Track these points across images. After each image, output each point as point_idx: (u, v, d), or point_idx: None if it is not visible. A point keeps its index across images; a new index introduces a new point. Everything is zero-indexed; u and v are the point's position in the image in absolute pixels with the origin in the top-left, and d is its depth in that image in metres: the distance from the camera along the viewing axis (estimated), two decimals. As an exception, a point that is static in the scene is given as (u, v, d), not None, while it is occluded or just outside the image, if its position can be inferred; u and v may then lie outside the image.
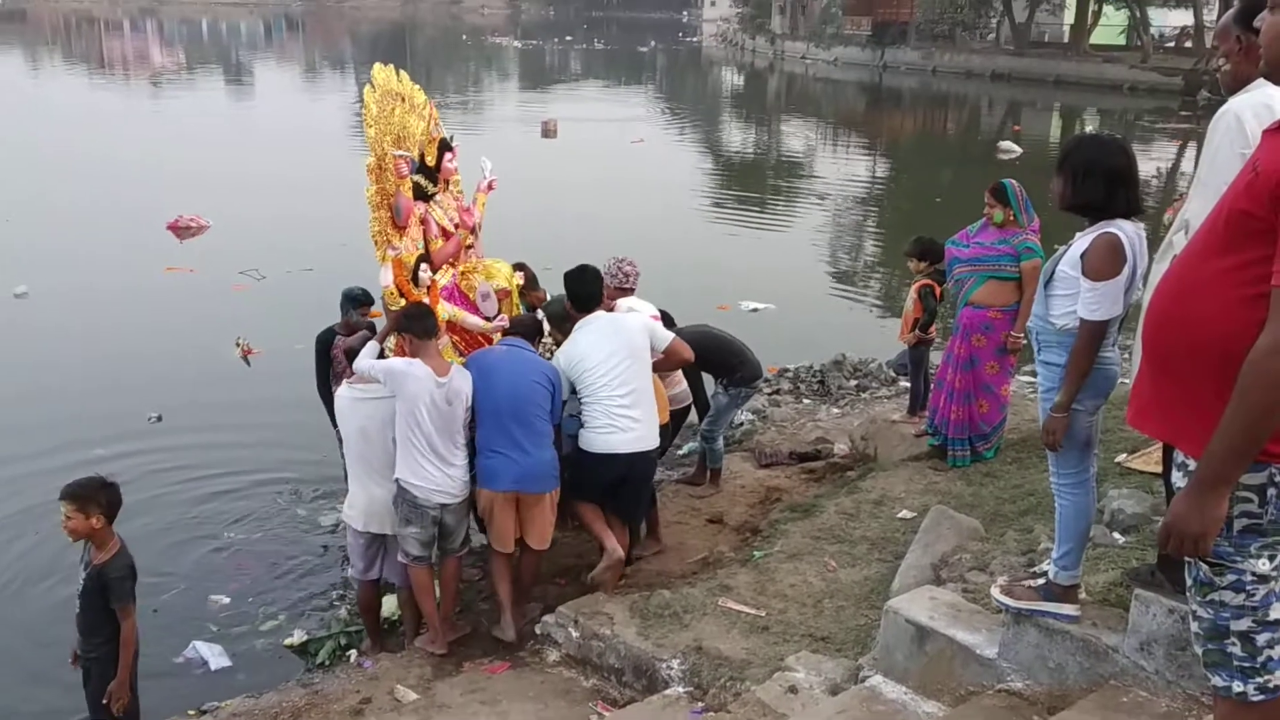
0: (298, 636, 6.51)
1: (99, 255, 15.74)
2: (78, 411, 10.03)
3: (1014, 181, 6.81)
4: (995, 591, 4.03)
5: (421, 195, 6.51)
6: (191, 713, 5.52)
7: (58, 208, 18.64)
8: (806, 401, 10.03)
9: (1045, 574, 3.96)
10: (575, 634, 5.67)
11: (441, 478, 5.63)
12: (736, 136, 37.54)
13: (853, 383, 10.41)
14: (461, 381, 5.67)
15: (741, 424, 9.32)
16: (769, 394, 10.16)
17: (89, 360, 11.45)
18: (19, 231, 16.88)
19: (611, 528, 6.06)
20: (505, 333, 6.28)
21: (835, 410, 9.62)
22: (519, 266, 7.00)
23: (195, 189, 19.22)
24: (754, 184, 26.33)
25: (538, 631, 5.90)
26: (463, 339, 6.48)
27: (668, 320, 6.90)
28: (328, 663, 6.13)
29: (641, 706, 5.05)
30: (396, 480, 5.65)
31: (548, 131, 29.96)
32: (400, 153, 6.29)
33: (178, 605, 6.96)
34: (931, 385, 7.58)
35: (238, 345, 7.60)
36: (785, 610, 5.55)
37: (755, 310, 13.51)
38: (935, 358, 8.21)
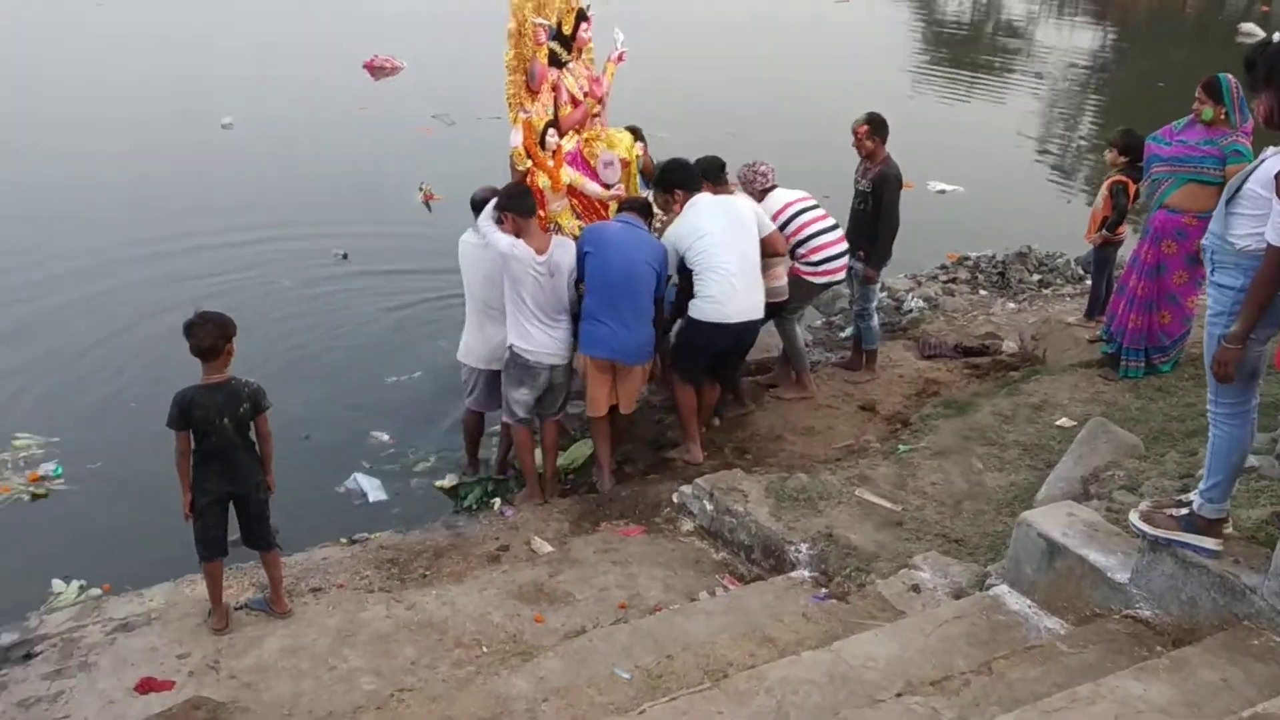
0: (449, 480, 6.83)
1: (299, 91, 16.32)
2: (272, 245, 10.59)
3: (1230, 77, 6.19)
4: (1134, 517, 3.85)
5: (555, 62, 6.78)
6: (344, 540, 5.88)
7: (263, 43, 19.31)
8: (983, 293, 9.66)
9: (1190, 503, 3.76)
10: (710, 507, 5.75)
11: (548, 340, 6.02)
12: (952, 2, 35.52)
13: (1035, 277, 9.95)
14: (562, 255, 5.99)
15: (910, 311, 9.08)
16: (944, 282, 9.84)
17: (283, 197, 12.01)
18: (228, 63, 17.62)
19: (703, 391, 6.53)
20: (621, 207, 6.53)
21: (1012, 305, 9.24)
22: (635, 134, 7.19)
23: (394, 28, 19.61)
24: (964, 55, 24.94)
25: (675, 500, 6.01)
26: (581, 203, 6.83)
27: None
28: (474, 507, 6.42)
29: (766, 585, 5.12)
30: (509, 346, 6.04)
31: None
32: (539, 20, 6.53)
33: (343, 438, 7.38)
34: (1114, 289, 7.17)
35: (420, 190, 7.82)
36: (922, 508, 5.48)
37: (942, 192, 13.01)
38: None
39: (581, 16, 6.90)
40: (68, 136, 13.83)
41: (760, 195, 6.80)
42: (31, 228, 10.81)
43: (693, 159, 6.54)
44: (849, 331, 8.45)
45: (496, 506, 6.33)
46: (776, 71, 19.22)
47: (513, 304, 5.96)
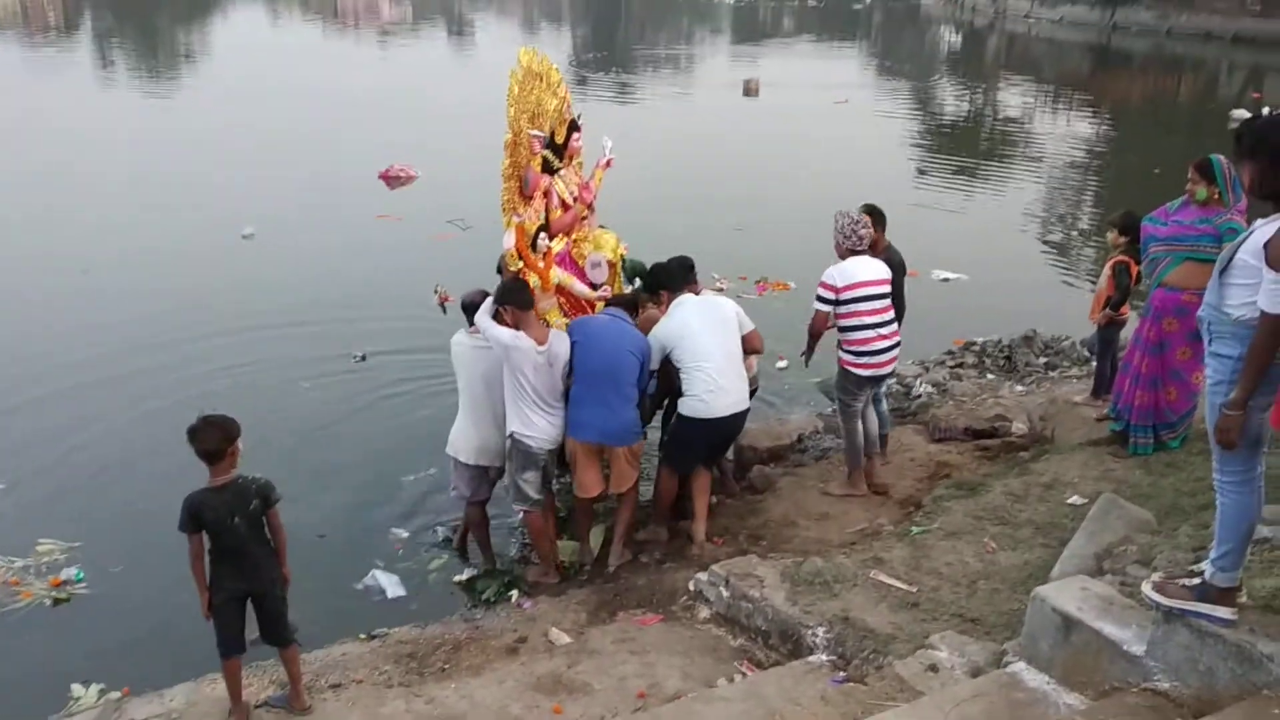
0: (466, 574, 6.88)
1: (317, 200, 16.70)
2: (289, 347, 10.78)
3: (1222, 158, 6.36)
4: (1147, 587, 3.89)
5: (548, 169, 7.13)
6: (363, 636, 5.90)
7: (280, 145, 19.82)
8: (990, 377, 9.75)
9: (1203, 573, 3.80)
10: (726, 594, 5.78)
11: (548, 427, 6.36)
12: (949, 98, 36.30)
13: (1042, 360, 10.06)
14: (560, 346, 6.32)
15: (919, 396, 9.17)
16: (951, 367, 9.94)
17: (302, 302, 12.23)
18: (246, 171, 18.08)
19: (697, 476, 6.79)
20: (607, 303, 6.91)
21: (1019, 388, 9.32)
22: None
23: (408, 136, 20.13)
24: (962, 148, 25.43)
25: (691, 588, 6.04)
26: (569, 301, 7.15)
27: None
28: (491, 600, 6.44)
29: (784, 670, 5.11)
30: (510, 435, 6.33)
31: (749, 90, 29.80)
32: (535, 132, 6.93)
33: (360, 535, 7.44)
34: (1119, 368, 7.25)
35: (435, 292, 8.05)
36: (938, 588, 5.49)
37: (946, 280, 13.19)
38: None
39: (574, 127, 7.29)
40: (82, 241, 14.15)
41: (846, 253, 6.82)
42: (51, 333, 11.03)
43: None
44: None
45: (514, 599, 6.35)
46: (780, 168, 19.63)
47: (514, 393, 6.25)
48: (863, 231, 6.81)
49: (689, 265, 6.87)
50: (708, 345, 6.40)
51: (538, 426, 6.30)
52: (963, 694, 4.21)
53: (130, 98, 26.42)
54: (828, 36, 54.10)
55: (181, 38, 44.54)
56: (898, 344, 6.91)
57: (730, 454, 8.21)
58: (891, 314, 6.85)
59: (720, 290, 12.39)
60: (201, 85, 28.99)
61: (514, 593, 6.44)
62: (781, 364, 10.59)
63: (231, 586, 4.87)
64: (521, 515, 6.77)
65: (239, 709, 5.01)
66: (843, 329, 6.79)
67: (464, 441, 6.60)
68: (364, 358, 10.63)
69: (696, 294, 6.79)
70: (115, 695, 5.54)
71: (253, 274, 13.35)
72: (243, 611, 4.97)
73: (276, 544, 4.93)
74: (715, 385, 6.37)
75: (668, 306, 6.68)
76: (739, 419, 6.68)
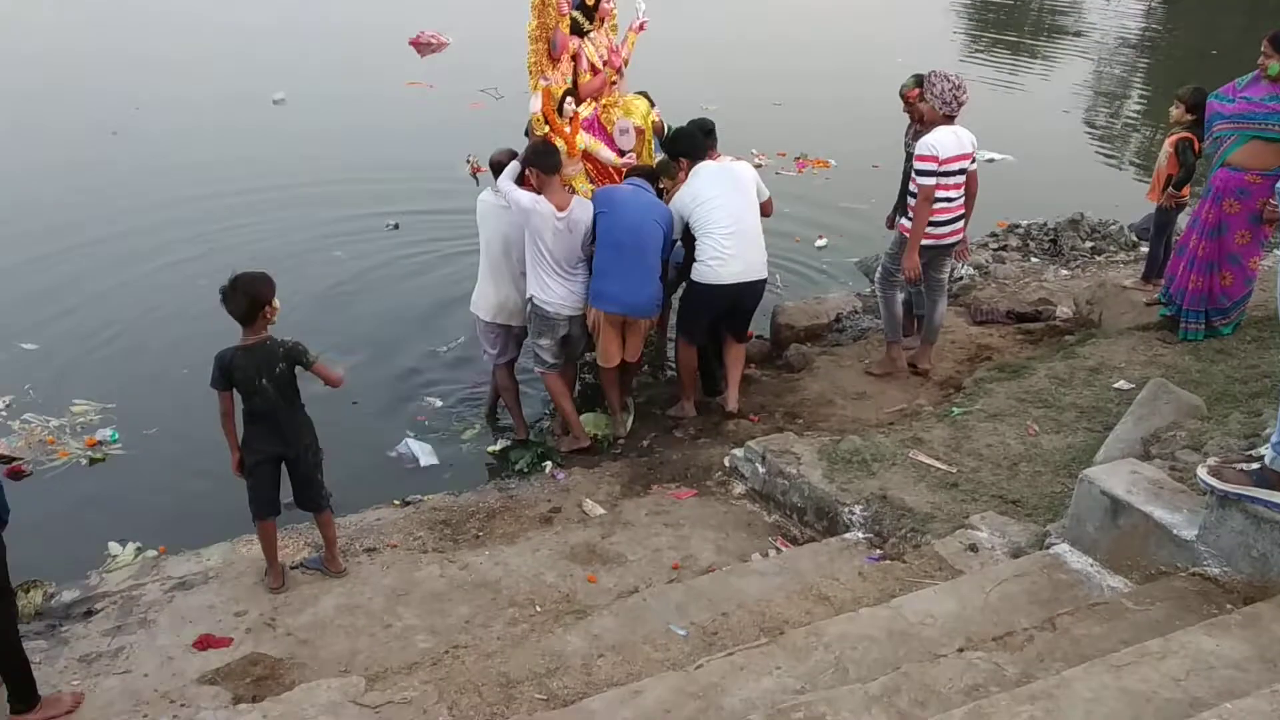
0: (500, 444, 6.85)
1: (347, 67, 16.34)
2: (321, 213, 10.66)
3: (1300, 31, 6.03)
4: (1202, 471, 3.77)
5: (577, 31, 6.97)
6: (397, 502, 5.90)
7: (309, 22, 19.41)
8: (1034, 260, 9.51)
9: (1261, 458, 3.67)
10: (762, 470, 5.72)
11: (566, 293, 6.30)
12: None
13: (1088, 244, 9.78)
14: (581, 212, 6.22)
15: (960, 278, 8.96)
16: (993, 250, 9.70)
17: (334, 171, 12.05)
18: (278, 42, 17.72)
19: (729, 348, 6.79)
20: (629, 174, 6.68)
21: (1064, 272, 9.09)
22: (643, 95, 7.31)
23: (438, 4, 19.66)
24: (1009, 24, 24.58)
25: (726, 464, 5.99)
26: (595, 168, 7.01)
27: None
28: (525, 471, 6.41)
29: (819, 546, 5.08)
30: (529, 299, 6.34)
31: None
32: None
33: (394, 405, 7.41)
34: (1173, 251, 7.02)
35: (467, 162, 7.87)
36: (977, 470, 5.40)
37: (991, 160, 12.79)
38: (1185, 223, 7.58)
39: None
40: (121, 114, 13.95)
41: (940, 120, 6.50)
42: (81, 196, 10.95)
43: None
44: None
45: (548, 470, 6.32)
46: (822, 40, 19.05)
47: (533, 258, 6.23)
48: (964, 97, 6.49)
49: (708, 130, 6.71)
50: (722, 211, 6.30)
51: (555, 292, 6.27)
52: (1004, 573, 4.15)
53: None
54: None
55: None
56: (962, 216, 6.68)
57: (766, 333, 8.13)
58: (959, 193, 6.61)
59: (759, 166, 12.15)
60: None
61: (548, 464, 6.40)
62: (820, 242, 10.40)
63: (263, 448, 4.87)
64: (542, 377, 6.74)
65: (274, 569, 5.04)
66: (913, 194, 6.55)
67: (483, 300, 6.60)
68: (396, 226, 10.52)
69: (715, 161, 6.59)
70: (152, 553, 5.57)
71: (284, 140, 13.17)
72: (276, 474, 4.97)
73: (329, 374, 4.88)
74: (725, 252, 6.29)
75: (687, 174, 6.53)
76: (752, 288, 6.53)
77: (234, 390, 4.78)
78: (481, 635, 4.58)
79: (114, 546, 5.67)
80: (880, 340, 7.49)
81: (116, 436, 6.86)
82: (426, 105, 14.67)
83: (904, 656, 3.59)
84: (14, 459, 6.50)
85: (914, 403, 6.61)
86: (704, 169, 6.47)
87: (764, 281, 6.63)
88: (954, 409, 6.15)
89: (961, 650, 3.49)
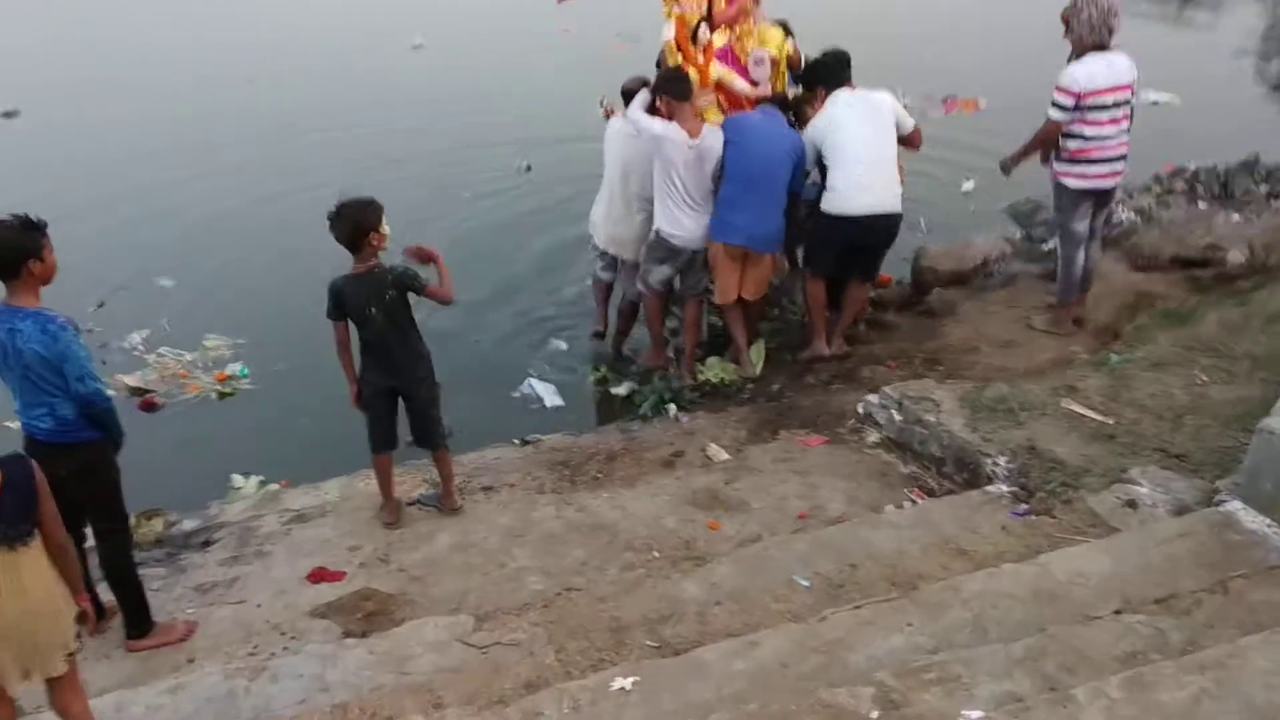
0: (625, 387, 6.63)
1: (488, 15, 16.25)
2: (455, 155, 10.61)
3: None
4: None
5: None
6: (516, 442, 5.75)
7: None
8: (1202, 205, 8.77)
9: None
10: (898, 417, 5.37)
11: (695, 226, 6.12)
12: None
13: (1263, 188, 8.97)
14: (713, 140, 5.99)
15: (1120, 222, 8.33)
16: (1157, 194, 8.99)
17: (470, 113, 12.00)
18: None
19: (851, 288, 6.47)
20: (763, 101, 6.42)
21: (1236, 217, 8.34)
22: (783, 26, 6.93)
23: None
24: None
25: (860, 410, 5.65)
26: (727, 98, 6.64)
27: None
28: (649, 415, 6.19)
29: (959, 499, 4.72)
30: (656, 230, 6.20)
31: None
32: None
33: (519, 345, 7.29)
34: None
35: (601, 105, 7.69)
36: (1138, 421, 4.95)
37: (1156, 103, 11.93)
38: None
39: None
40: (268, 57, 14.19)
41: (1089, 49, 5.88)
42: (221, 137, 11.14)
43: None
44: (1052, 244, 7.81)
45: (672, 413, 6.09)
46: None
47: (663, 189, 6.06)
48: (1112, 21, 5.82)
49: (845, 60, 6.34)
50: (855, 141, 6.00)
51: (684, 226, 6.12)
52: (1167, 532, 3.75)
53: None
54: None
55: None
56: (1124, 156, 6.03)
57: (907, 277, 7.71)
58: (1128, 123, 5.95)
59: (904, 106, 11.59)
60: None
61: (672, 407, 6.17)
62: (968, 185, 9.87)
63: (376, 380, 4.77)
64: (641, 296, 6.60)
65: (390, 504, 4.95)
66: (1067, 135, 5.97)
67: (597, 225, 6.68)
68: (529, 168, 10.39)
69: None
70: (274, 486, 5.56)
71: (421, 83, 13.18)
72: (391, 407, 4.86)
73: (442, 293, 4.70)
74: (856, 181, 5.99)
75: (822, 103, 6.21)
76: (883, 221, 6.15)
77: (348, 320, 4.67)
78: (595, 579, 4.40)
79: (237, 479, 5.70)
80: (1031, 288, 7.01)
81: (246, 371, 6.92)
82: (563, 49, 14.47)
83: (1051, 617, 3.25)
84: (147, 391, 6.61)
85: (1067, 350, 6.14)
86: (840, 97, 6.15)
87: (897, 216, 6.22)
88: (1112, 357, 5.68)
89: (1118, 613, 3.14)
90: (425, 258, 4.76)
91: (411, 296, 4.68)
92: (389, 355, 4.71)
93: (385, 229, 4.57)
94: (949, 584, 3.52)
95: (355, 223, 4.51)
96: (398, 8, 16.53)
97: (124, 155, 10.55)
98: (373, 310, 4.59)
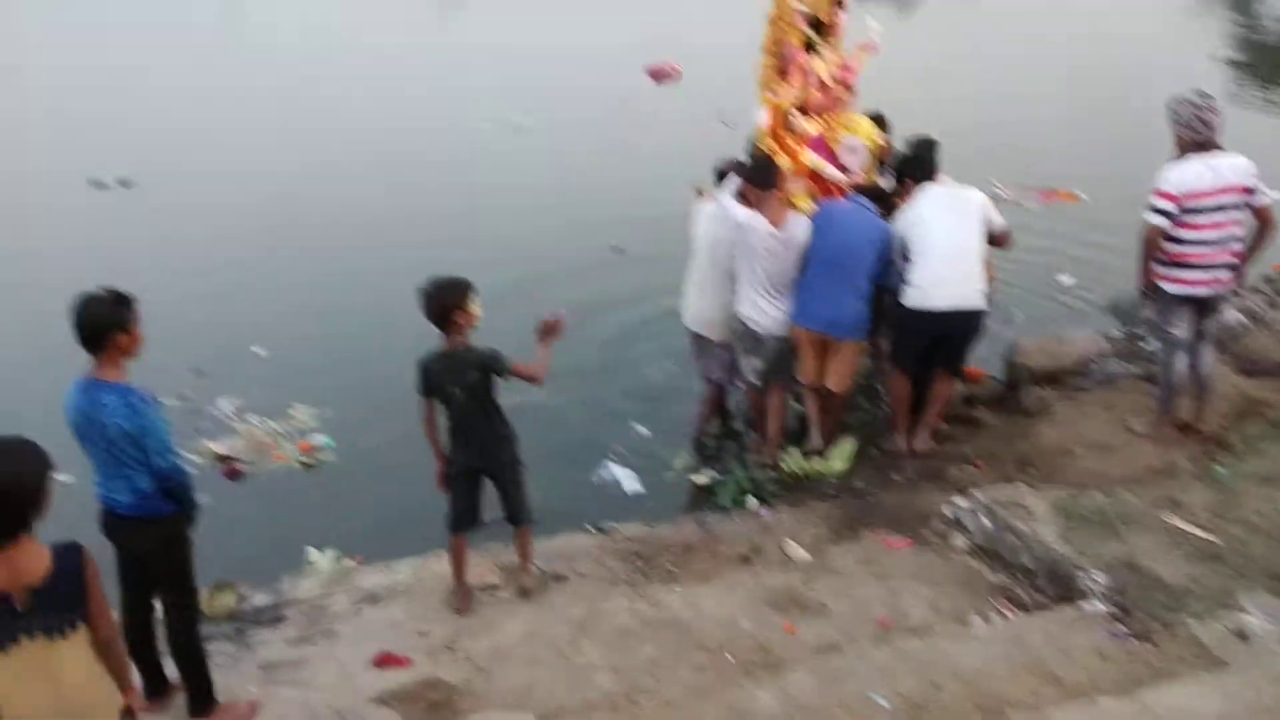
0: (706, 476, 6.52)
1: (589, 99, 16.49)
2: (547, 233, 10.67)
3: None
4: None
5: (809, 47, 6.74)
6: (590, 529, 5.66)
7: (549, 51, 19.85)
8: (1316, 307, 8.43)
9: None
10: (988, 523, 5.15)
11: (777, 313, 6.14)
12: None
13: (1383, 292, 8.60)
14: (797, 230, 6.04)
15: (1227, 325, 8.01)
16: (1268, 295, 8.66)
17: (564, 192, 12.07)
18: (520, 69, 18.17)
19: (936, 383, 6.38)
20: (855, 189, 6.48)
21: (1359, 321, 7.99)
22: (879, 121, 7.07)
23: (676, 31, 19.75)
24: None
25: (947, 513, 5.44)
26: (819, 186, 6.68)
27: None
28: (729, 505, 6.06)
29: (1051, 615, 4.48)
30: (738, 316, 6.22)
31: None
32: (799, 7, 6.57)
33: (600, 427, 7.22)
34: None
35: (694, 187, 7.72)
36: (1247, 541, 4.67)
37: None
38: None
39: (839, 3, 6.88)
40: (378, 139, 14.57)
41: (1189, 148, 5.66)
42: (313, 208, 11.39)
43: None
44: (1155, 345, 7.53)
45: (752, 506, 5.95)
46: (1078, 66, 17.99)
47: (746, 275, 6.12)
48: (1208, 117, 5.58)
49: (933, 150, 6.36)
50: (939, 235, 5.97)
51: (765, 312, 6.14)
52: (1280, 670, 3.49)
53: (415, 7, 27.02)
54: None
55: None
56: (1234, 266, 5.69)
57: (999, 373, 7.50)
58: (1238, 229, 5.63)
59: (999, 197, 11.41)
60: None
61: (752, 500, 6.03)
62: (1065, 279, 9.61)
63: (460, 460, 4.77)
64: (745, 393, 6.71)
65: (462, 590, 4.89)
66: (1166, 237, 5.71)
67: (687, 305, 6.66)
68: (621, 249, 10.38)
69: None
70: (349, 563, 5.54)
71: (518, 161, 13.35)
72: (473, 488, 4.85)
73: (529, 373, 4.70)
74: (937, 276, 5.93)
75: (911, 195, 6.22)
76: (964, 318, 6.08)
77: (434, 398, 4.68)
78: (665, 679, 4.27)
79: (313, 553, 5.69)
80: (1131, 389, 6.75)
81: (331, 443, 6.96)
82: (661, 130, 14.60)
83: (1152, 762, 3.02)
84: (233, 459, 6.67)
85: (1168, 459, 5.86)
86: (929, 190, 6.16)
87: (979, 314, 6.14)
88: (1219, 469, 5.40)
89: (1227, 763, 2.90)
90: (550, 331, 4.79)
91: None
92: (473, 436, 4.71)
93: (474, 309, 4.59)
94: (1039, 715, 3.31)
95: (442, 301, 4.54)
96: (500, 89, 16.85)
97: (231, 228, 10.78)
98: (456, 390, 4.60)
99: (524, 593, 4.93)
